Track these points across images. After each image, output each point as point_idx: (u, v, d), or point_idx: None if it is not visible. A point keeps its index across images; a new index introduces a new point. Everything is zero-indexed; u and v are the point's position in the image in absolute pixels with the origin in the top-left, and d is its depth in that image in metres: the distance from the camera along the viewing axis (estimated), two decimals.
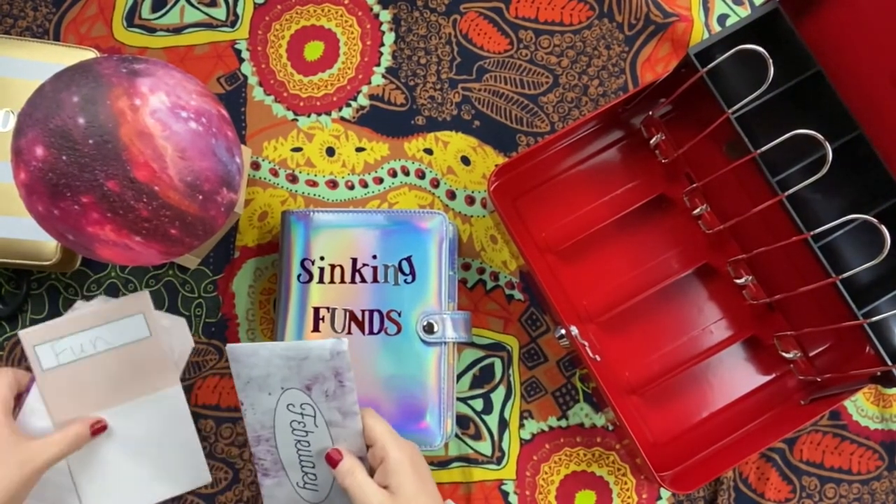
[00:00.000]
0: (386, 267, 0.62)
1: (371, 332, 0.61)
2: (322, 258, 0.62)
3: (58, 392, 0.55)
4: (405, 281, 0.62)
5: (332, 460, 0.52)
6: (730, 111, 0.56)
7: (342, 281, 0.62)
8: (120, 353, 0.55)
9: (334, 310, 0.62)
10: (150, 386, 0.57)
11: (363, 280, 0.62)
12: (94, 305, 0.56)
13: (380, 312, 0.62)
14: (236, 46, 0.70)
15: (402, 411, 0.60)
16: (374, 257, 0.62)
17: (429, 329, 0.61)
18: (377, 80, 0.70)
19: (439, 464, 0.66)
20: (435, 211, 0.63)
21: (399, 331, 0.61)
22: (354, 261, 0.62)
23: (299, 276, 0.62)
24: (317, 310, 0.62)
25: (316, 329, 0.61)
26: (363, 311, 0.62)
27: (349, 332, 0.61)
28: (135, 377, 0.56)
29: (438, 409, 0.60)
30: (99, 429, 0.55)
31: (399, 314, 0.61)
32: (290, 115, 0.69)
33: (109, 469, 0.56)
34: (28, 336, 0.54)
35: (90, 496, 0.56)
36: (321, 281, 0.62)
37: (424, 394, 0.60)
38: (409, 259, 0.62)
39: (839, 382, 0.61)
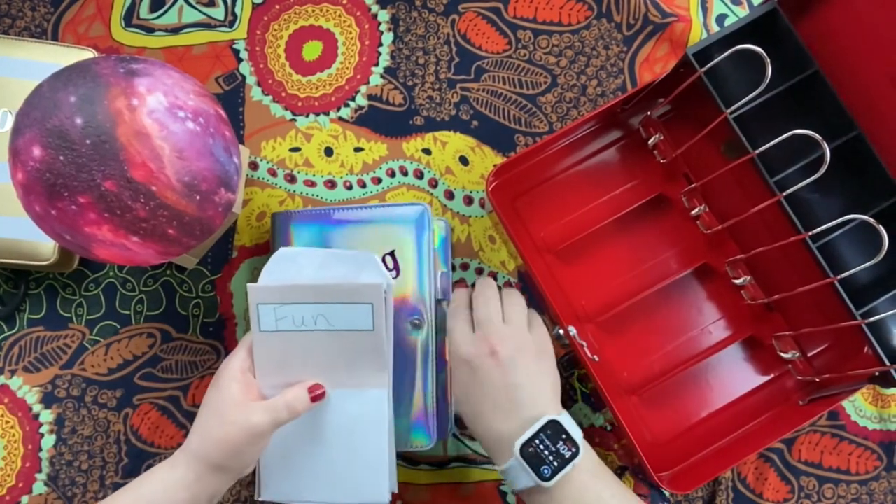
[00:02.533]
0: None
1: None
2: None
3: (268, 356, 0.52)
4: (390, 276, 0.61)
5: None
6: (728, 111, 0.56)
7: None
8: (337, 337, 0.52)
9: None
10: (358, 380, 0.53)
11: None
12: (318, 269, 0.53)
13: None
14: (234, 46, 0.70)
15: (394, 410, 0.59)
16: None
17: (417, 325, 0.59)
18: (375, 80, 0.70)
19: (438, 464, 0.66)
20: (416, 202, 0.61)
21: None
22: None
23: None
24: None
25: None
26: None
27: None
28: (346, 366, 0.53)
29: (425, 407, 0.59)
30: (318, 395, 0.53)
31: None
32: (289, 115, 0.69)
33: (294, 450, 0.54)
34: (256, 292, 0.51)
35: (269, 469, 0.53)
36: None
37: (412, 392, 0.59)
38: (392, 253, 0.61)
39: (837, 383, 0.61)
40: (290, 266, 0.54)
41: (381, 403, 0.53)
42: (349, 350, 0.52)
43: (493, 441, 0.52)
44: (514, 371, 0.52)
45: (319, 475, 0.54)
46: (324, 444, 0.54)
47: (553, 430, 0.50)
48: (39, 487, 0.65)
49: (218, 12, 0.70)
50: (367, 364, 0.52)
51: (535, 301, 0.68)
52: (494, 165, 0.67)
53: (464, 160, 0.70)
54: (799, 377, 0.65)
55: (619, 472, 0.65)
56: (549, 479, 0.49)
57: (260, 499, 0.51)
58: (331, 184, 0.69)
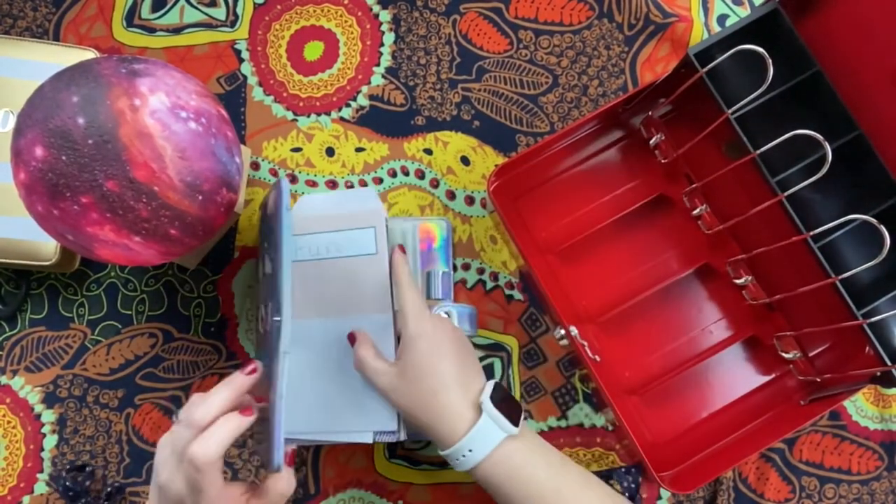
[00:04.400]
0: None
1: None
2: None
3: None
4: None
5: (351, 339, 0.54)
6: (729, 111, 0.56)
7: None
8: (345, 263, 0.56)
9: None
10: (362, 306, 0.55)
11: None
12: (333, 202, 0.58)
13: None
14: (236, 46, 0.70)
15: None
16: None
17: None
18: (377, 80, 0.70)
19: (440, 464, 0.66)
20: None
21: None
22: None
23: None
24: None
25: None
26: None
27: None
28: (351, 292, 0.55)
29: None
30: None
31: None
32: (290, 116, 0.69)
33: (298, 384, 0.54)
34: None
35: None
36: None
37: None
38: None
39: (839, 383, 0.61)
40: (310, 207, 0.60)
41: (387, 327, 0.54)
42: (355, 276, 0.55)
43: (456, 412, 0.50)
44: (466, 341, 0.55)
45: (328, 406, 0.55)
46: (334, 374, 0.55)
47: (499, 387, 0.52)
48: (41, 487, 0.65)
49: (219, 12, 0.70)
50: (370, 290, 0.55)
51: (537, 301, 0.68)
52: (496, 165, 0.67)
53: (465, 160, 0.70)
54: (800, 377, 0.65)
55: (606, 477, 0.65)
56: (517, 426, 0.50)
57: None
58: (332, 184, 0.69)
